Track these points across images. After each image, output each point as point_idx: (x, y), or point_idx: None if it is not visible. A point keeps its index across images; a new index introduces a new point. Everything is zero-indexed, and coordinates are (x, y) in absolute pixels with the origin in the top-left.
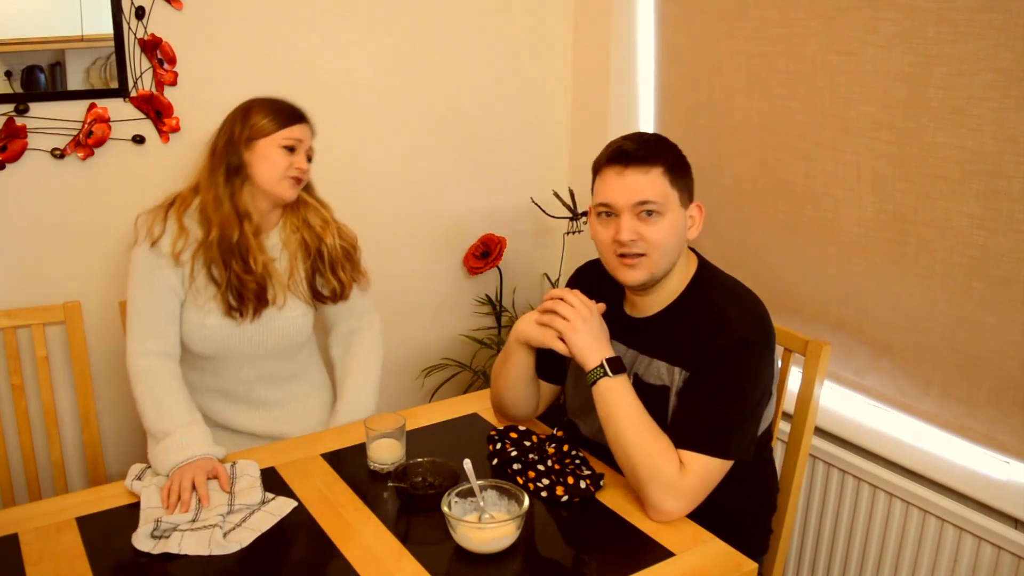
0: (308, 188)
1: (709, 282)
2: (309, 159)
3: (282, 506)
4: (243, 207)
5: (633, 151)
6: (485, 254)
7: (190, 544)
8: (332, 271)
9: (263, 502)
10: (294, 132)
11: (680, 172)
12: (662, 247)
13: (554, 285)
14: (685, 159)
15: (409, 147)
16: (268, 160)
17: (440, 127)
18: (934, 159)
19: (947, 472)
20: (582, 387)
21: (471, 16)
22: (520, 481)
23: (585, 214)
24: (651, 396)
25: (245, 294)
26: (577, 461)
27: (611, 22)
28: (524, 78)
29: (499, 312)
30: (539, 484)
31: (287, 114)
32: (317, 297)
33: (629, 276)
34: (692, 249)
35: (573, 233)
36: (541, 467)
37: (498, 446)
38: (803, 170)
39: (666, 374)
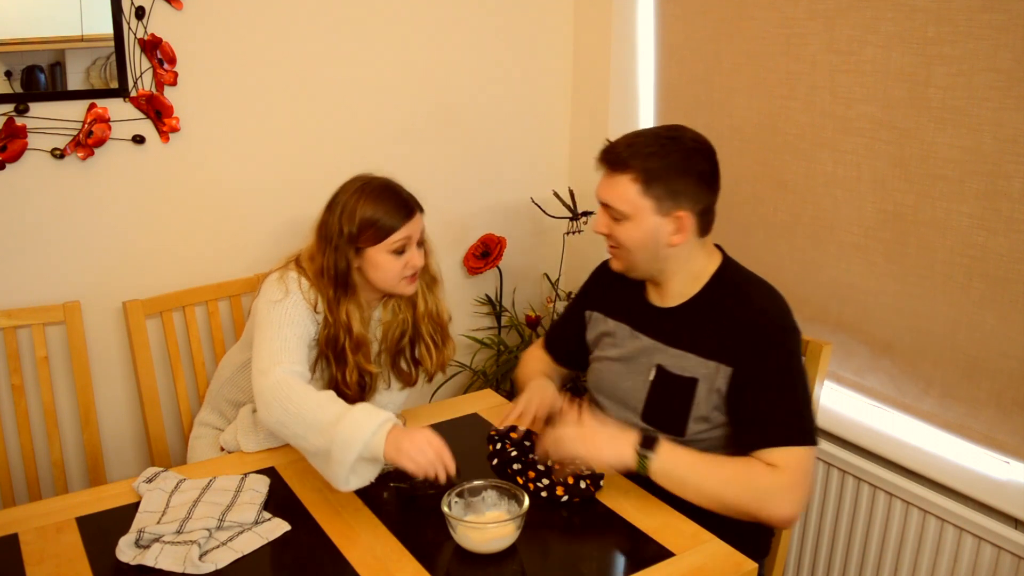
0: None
1: (733, 276)
2: (420, 244)
3: (274, 528)
4: (344, 321)
5: (608, 154)
6: (485, 254)
7: (167, 559)
8: (412, 352)
9: (256, 522)
10: (402, 234)
11: (661, 179)
12: (627, 247)
13: (554, 285)
14: (680, 165)
15: (409, 147)
16: (379, 268)
17: (440, 127)
18: (934, 159)
19: (947, 472)
20: (605, 374)
21: (471, 16)
22: (520, 481)
23: (585, 214)
24: (675, 386)
25: (346, 393)
26: (577, 461)
27: (611, 22)
28: (524, 78)
29: (499, 312)
30: (539, 484)
31: (394, 215)
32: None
33: (612, 262)
34: (717, 246)
35: (573, 233)
36: (541, 467)
37: (498, 446)
38: (803, 170)
39: (697, 366)
